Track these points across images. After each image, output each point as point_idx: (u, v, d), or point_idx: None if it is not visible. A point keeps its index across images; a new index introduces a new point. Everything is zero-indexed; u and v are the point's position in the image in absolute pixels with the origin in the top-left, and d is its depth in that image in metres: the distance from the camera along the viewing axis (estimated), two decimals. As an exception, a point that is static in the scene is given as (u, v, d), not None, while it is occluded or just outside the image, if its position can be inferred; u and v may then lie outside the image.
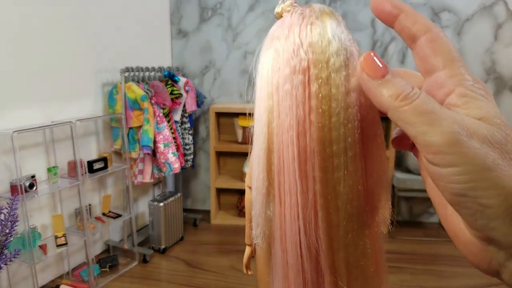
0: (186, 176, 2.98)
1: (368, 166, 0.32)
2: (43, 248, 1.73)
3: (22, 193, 1.57)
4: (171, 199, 2.41)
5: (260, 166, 0.34)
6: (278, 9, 0.35)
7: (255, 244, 0.36)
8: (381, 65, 0.26)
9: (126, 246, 2.28)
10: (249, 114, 0.37)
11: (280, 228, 0.33)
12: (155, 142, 2.21)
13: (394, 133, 0.32)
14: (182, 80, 2.49)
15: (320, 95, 0.30)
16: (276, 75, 0.32)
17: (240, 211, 2.81)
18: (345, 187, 0.31)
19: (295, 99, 0.30)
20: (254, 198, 0.35)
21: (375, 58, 0.27)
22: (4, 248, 1.38)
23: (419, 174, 2.33)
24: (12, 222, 1.39)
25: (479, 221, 0.23)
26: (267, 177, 0.34)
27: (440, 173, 0.23)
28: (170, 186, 2.85)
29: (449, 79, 0.26)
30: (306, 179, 0.31)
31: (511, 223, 0.22)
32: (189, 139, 2.59)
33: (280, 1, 0.34)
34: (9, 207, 1.35)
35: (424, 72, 0.27)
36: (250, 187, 0.31)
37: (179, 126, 2.49)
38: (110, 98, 2.24)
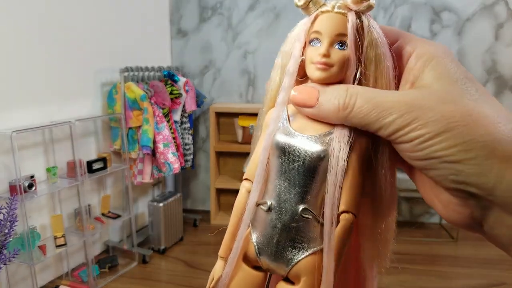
0: (186, 176, 2.97)
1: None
2: (42, 248, 1.73)
3: (21, 193, 1.57)
4: (170, 199, 2.41)
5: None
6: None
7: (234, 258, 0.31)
8: (307, 94, 0.28)
9: (125, 247, 2.27)
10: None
11: None
12: (154, 142, 2.21)
13: None
14: (181, 80, 2.48)
15: None
16: None
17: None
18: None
19: None
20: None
21: (300, 92, 0.28)
22: (3, 248, 1.38)
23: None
24: (11, 222, 1.38)
25: (452, 177, 0.23)
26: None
27: (406, 147, 0.25)
28: (169, 187, 2.84)
29: (418, 59, 0.28)
30: None
31: (484, 173, 0.22)
32: (189, 139, 2.59)
33: None
34: (8, 207, 1.34)
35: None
36: (247, 179, 0.30)
37: (179, 126, 2.48)
38: (110, 98, 2.24)
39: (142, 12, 2.58)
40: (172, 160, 2.25)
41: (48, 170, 1.81)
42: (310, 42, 0.30)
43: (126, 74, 2.16)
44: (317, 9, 0.29)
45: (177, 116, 2.44)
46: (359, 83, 0.28)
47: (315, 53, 0.29)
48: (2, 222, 1.35)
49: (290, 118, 0.30)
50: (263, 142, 0.30)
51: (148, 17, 2.65)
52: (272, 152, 0.30)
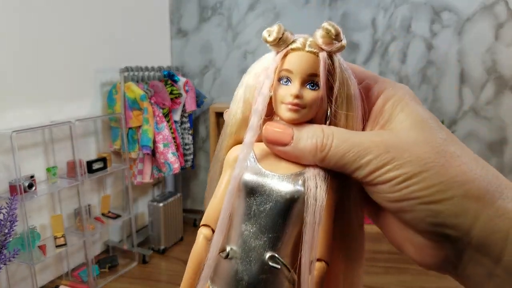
0: (186, 176, 2.97)
1: None
2: (42, 248, 1.73)
3: (21, 193, 1.57)
4: (170, 199, 2.41)
5: None
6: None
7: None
8: (281, 132, 0.27)
9: (125, 247, 2.27)
10: None
11: None
12: (154, 142, 2.20)
13: None
14: (181, 80, 2.48)
15: None
16: None
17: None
18: None
19: None
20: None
21: (274, 129, 0.27)
22: (3, 248, 1.38)
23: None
24: (11, 222, 1.38)
25: (429, 220, 0.23)
26: None
27: (382, 189, 0.24)
28: (169, 187, 2.84)
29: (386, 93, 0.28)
30: None
31: (461, 213, 0.23)
32: (188, 139, 2.59)
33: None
34: (8, 207, 1.34)
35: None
36: (206, 225, 0.27)
37: (179, 126, 2.48)
38: (109, 98, 2.24)
39: (142, 12, 2.57)
40: (172, 160, 2.25)
41: (48, 170, 1.81)
42: (279, 80, 0.28)
43: (126, 74, 2.16)
44: (287, 46, 0.28)
45: (177, 116, 2.44)
46: (330, 123, 0.28)
47: (286, 92, 0.27)
48: (2, 222, 1.35)
49: (257, 157, 0.28)
50: (228, 185, 0.27)
51: (148, 17, 2.65)
52: (238, 194, 0.27)
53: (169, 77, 2.44)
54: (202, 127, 2.96)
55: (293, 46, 0.28)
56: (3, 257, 1.36)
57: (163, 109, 2.28)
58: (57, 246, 1.78)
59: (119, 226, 2.38)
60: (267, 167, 0.28)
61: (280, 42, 0.28)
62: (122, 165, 2.18)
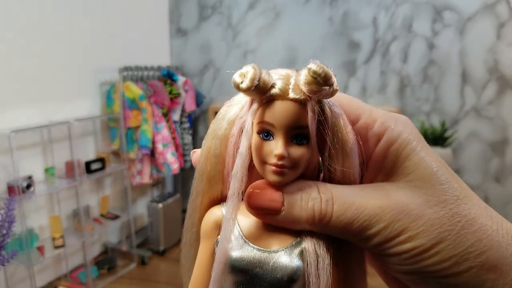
0: (185, 177, 2.96)
1: None
2: (40, 249, 1.71)
3: (19, 194, 1.56)
4: (170, 200, 2.39)
5: None
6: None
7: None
8: (269, 196, 0.22)
9: (124, 248, 2.26)
10: None
11: None
12: (154, 142, 2.19)
13: None
14: (181, 80, 2.47)
15: None
16: None
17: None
18: None
19: None
20: None
21: (260, 196, 0.22)
22: (1, 250, 1.37)
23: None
24: (9, 223, 1.37)
25: None
26: None
27: (393, 260, 0.22)
28: (169, 187, 2.83)
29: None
30: None
31: (478, 286, 0.21)
32: (188, 139, 2.57)
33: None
34: (6, 207, 1.33)
35: None
36: None
37: (178, 126, 2.47)
38: (108, 98, 2.22)
39: (141, 11, 2.56)
40: (171, 160, 2.24)
41: (46, 170, 1.79)
42: (258, 133, 0.23)
43: (125, 73, 2.15)
44: (266, 93, 0.23)
45: (176, 116, 2.43)
46: (324, 176, 0.24)
47: (269, 151, 0.23)
48: (0, 223, 1.34)
49: (241, 228, 0.24)
50: (208, 261, 0.24)
51: (147, 16, 2.64)
52: (224, 277, 0.23)
53: (168, 77, 2.43)
54: (201, 127, 2.94)
55: (273, 92, 0.23)
56: (1, 258, 1.35)
57: (162, 108, 2.27)
58: (56, 247, 1.77)
59: (118, 227, 2.37)
60: (256, 240, 0.23)
61: (257, 90, 0.23)
62: (121, 166, 2.17)
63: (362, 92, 2.54)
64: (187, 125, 2.57)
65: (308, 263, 0.22)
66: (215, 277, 0.23)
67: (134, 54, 2.43)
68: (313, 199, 0.22)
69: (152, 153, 2.22)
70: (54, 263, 1.97)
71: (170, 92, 2.34)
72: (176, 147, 2.36)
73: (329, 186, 0.23)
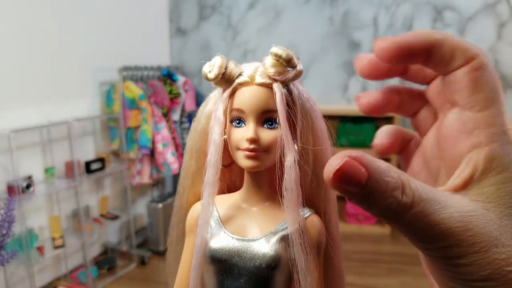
0: (185, 176, 2.96)
1: None
2: (40, 249, 1.71)
3: (19, 194, 1.55)
4: (170, 200, 2.39)
5: None
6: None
7: None
8: (350, 164, 0.17)
9: (124, 248, 2.25)
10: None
11: None
12: (153, 142, 2.19)
13: (378, 137, 0.25)
14: (181, 79, 2.47)
15: None
16: None
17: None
18: None
19: None
20: None
21: (352, 163, 0.17)
22: (0, 250, 1.36)
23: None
24: (9, 223, 1.37)
25: None
26: None
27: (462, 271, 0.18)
28: (169, 187, 2.83)
29: (483, 128, 0.19)
30: None
31: None
32: (188, 139, 2.57)
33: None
34: (6, 207, 1.33)
35: (441, 105, 0.21)
36: None
37: (178, 126, 2.47)
38: (108, 98, 2.22)
39: (141, 11, 2.56)
40: (171, 160, 2.23)
41: (46, 170, 1.79)
42: (231, 122, 0.24)
43: (124, 73, 2.15)
44: (234, 81, 0.24)
45: (176, 116, 2.42)
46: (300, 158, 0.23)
47: (241, 136, 0.23)
48: (0, 223, 1.33)
49: (221, 218, 0.24)
50: (192, 258, 0.24)
51: (147, 16, 2.63)
52: (206, 268, 0.24)
53: (168, 77, 2.43)
54: (201, 127, 2.94)
55: (240, 80, 0.24)
56: (1, 258, 1.35)
57: (162, 108, 2.27)
58: (55, 247, 1.77)
59: (118, 227, 2.36)
60: (235, 230, 0.23)
61: (225, 78, 0.24)
62: (120, 166, 2.16)
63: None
64: (187, 125, 2.57)
65: (293, 254, 0.22)
66: (195, 264, 0.24)
67: (134, 54, 2.43)
68: (396, 186, 0.18)
69: (152, 153, 2.22)
70: (53, 263, 1.97)
71: (170, 92, 2.33)
72: (176, 147, 2.35)
73: (418, 185, 0.19)
